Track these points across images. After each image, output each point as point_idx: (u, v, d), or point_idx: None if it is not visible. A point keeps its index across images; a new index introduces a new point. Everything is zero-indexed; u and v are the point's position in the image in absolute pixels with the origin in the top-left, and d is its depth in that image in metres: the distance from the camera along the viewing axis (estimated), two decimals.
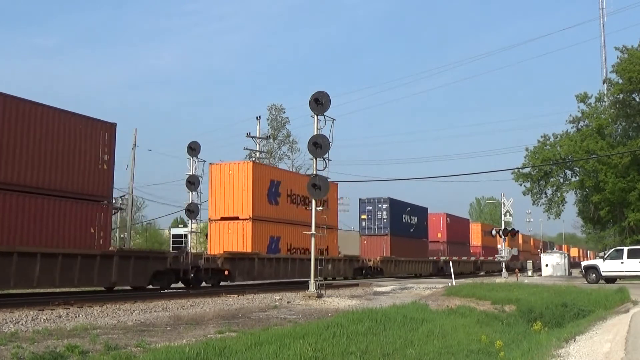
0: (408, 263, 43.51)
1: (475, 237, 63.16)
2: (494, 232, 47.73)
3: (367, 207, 43.85)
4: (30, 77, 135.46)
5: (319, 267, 21.78)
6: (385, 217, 43.06)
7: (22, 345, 9.19)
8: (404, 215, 45.25)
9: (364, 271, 38.07)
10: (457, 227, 56.31)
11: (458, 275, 45.79)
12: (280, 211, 29.22)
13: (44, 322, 12.62)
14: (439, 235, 52.94)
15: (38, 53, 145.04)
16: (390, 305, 16.64)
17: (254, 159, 44.93)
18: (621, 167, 41.32)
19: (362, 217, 43.92)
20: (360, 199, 44.31)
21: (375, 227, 43.37)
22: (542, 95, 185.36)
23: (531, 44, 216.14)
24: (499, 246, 45.63)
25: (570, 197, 50.03)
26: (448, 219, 53.80)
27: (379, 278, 37.94)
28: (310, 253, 21.33)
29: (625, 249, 34.10)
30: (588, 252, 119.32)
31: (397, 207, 44.70)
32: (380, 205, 43.51)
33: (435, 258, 49.25)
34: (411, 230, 46.07)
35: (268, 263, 27.71)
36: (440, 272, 46.98)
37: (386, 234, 42.86)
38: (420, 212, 48.54)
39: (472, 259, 57.09)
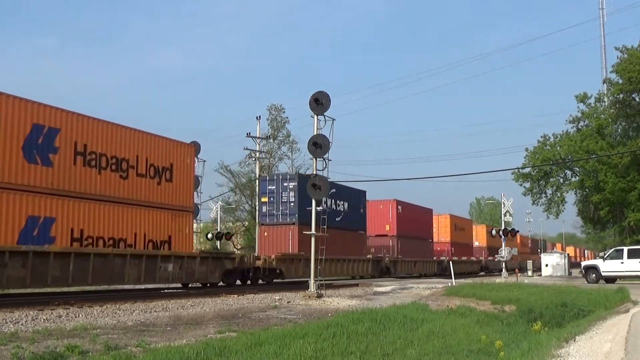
0: (335, 262, 32.11)
1: (481, 238, 63.84)
2: (494, 232, 47.66)
3: (270, 187, 32.00)
4: (31, 77, 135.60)
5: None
6: (292, 200, 31.09)
7: (22, 345, 9.19)
8: (326, 200, 32.18)
9: (250, 273, 28.27)
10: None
11: (460, 275, 45.97)
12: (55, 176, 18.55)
13: (44, 322, 12.61)
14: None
15: (39, 53, 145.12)
16: (390, 305, 16.64)
17: (253, 159, 44.95)
18: (621, 167, 41.33)
19: (263, 199, 32.33)
20: (260, 176, 33.51)
21: (280, 213, 31.38)
22: (542, 95, 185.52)
23: (531, 44, 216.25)
24: (506, 247, 45.34)
25: (570, 197, 50.12)
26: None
27: (273, 284, 28.97)
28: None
29: (625, 249, 34.09)
30: (586, 251, 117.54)
31: None
32: (286, 184, 31.33)
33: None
34: (338, 219, 33.63)
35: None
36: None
37: (293, 223, 30.96)
38: (356, 197, 37.43)
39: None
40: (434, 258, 49.23)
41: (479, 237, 63.63)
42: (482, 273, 56.32)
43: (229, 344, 9.13)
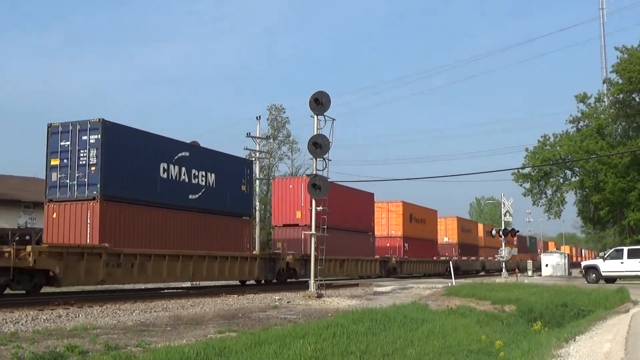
0: (154, 261, 20.99)
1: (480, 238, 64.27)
2: (494, 232, 47.66)
3: (63, 143, 20.61)
4: (31, 77, 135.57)
5: None
6: (93, 161, 20.13)
7: (22, 345, 9.19)
8: (161, 164, 22.26)
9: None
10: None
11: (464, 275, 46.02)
12: None
13: (44, 322, 12.62)
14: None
15: (40, 53, 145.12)
16: (390, 305, 16.64)
17: (253, 159, 44.84)
18: (621, 167, 41.32)
19: (53, 162, 20.74)
20: (48, 125, 21.04)
21: (76, 183, 20.29)
22: (542, 95, 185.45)
23: (531, 44, 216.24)
24: (506, 247, 45.38)
25: (570, 197, 50.07)
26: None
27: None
28: None
29: (625, 249, 34.09)
30: (583, 250, 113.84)
31: (130, 143, 21.21)
32: (86, 138, 20.34)
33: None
34: (193, 196, 23.77)
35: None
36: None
37: (93, 198, 19.92)
38: (233, 165, 26.96)
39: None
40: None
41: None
42: (482, 273, 56.35)
43: (229, 344, 9.14)
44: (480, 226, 65.84)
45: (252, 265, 25.98)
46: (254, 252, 27.40)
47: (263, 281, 27.68)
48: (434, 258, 49.27)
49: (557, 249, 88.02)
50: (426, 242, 47.88)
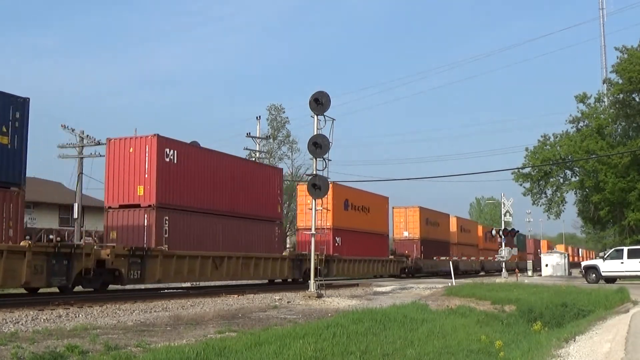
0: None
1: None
2: (494, 232, 47.66)
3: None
4: (32, 77, 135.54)
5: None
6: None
7: (22, 345, 9.19)
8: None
9: None
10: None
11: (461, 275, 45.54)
12: None
13: (44, 322, 12.61)
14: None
15: (40, 53, 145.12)
16: (390, 305, 16.64)
17: (254, 159, 44.94)
18: (621, 167, 41.32)
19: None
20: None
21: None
22: (542, 95, 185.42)
23: (531, 44, 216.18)
24: (506, 247, 44.57)
25: (570, 197, 50.07)
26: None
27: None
28: None
29: (625, 249, 34.10)
30: (580, 250, 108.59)
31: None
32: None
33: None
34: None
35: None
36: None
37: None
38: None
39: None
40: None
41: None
42: (482, 273, 56.32)
43: (229, 344, 9.14)
44: (454, 220, 54.74)
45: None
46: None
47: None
48: (386, 257, 40.13)
49: (550, 248, 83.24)
50: (371, 236, 37.74)
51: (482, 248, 61.59)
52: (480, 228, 64.98)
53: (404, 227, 45.51)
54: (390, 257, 40.83)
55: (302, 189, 33.80)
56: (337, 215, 33.28)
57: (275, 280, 29.06)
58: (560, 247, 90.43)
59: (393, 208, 44.91)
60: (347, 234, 34.59)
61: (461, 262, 52.89)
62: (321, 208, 21.82)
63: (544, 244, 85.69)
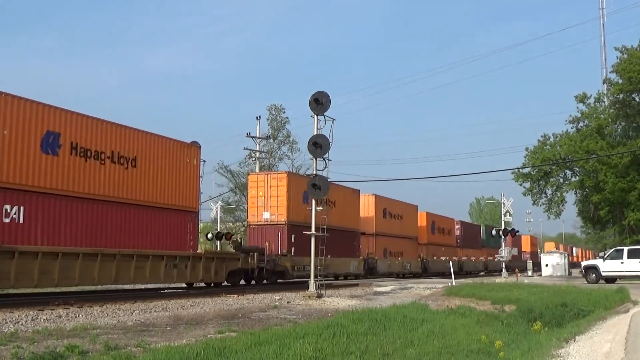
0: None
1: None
2: (494, 232, 47.64)
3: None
4: (32, 77, 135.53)
5: None
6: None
7: (22, 345, 9.19)
8: None
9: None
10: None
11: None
12: None
13: (44, 322, 12.61)
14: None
15: (39, 53, 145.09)
16: (390, 305, 16.65)
17: (253, 159, 44.99)
18: (621, 167, 41.33)
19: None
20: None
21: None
22: (542, 95, 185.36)
23: (531, 44, 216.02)
24: (506, 247, 43.75)
25: (570, 197, 50.07)
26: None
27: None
28: None
29: (625, 249, 34.09)
30: (575, 249, 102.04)
31: None
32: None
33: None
34: None
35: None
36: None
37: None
38: None
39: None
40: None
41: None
42: (482, 273, 56.27)
43: (229, 344, 9.14)
44: (423, 216, 48.22)
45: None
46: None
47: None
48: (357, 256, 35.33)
49: (534, 246, 76.32)
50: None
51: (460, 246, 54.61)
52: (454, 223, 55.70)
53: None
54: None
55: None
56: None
57: (194, 285, 25.24)
58: (550, 245, 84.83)
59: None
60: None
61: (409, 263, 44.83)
62: (320, 208, 21.78)
63: (525, 240, 74.53)
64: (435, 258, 49.00)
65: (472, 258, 57.11)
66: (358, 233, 35.93)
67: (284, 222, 28.83)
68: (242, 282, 27.95)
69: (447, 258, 48.72)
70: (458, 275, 44.35)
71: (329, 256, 28.06)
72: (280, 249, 28.59)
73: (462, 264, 53.53)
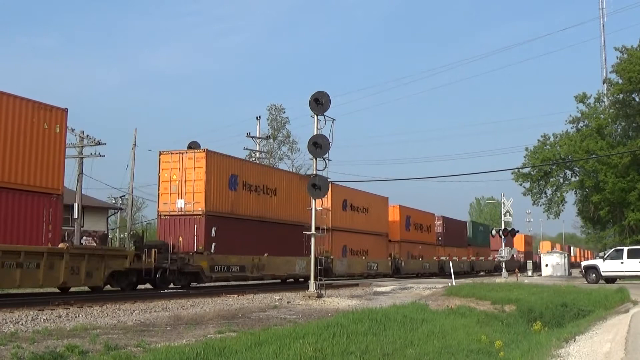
0: None
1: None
2: (493, 232, 47.63)
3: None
4: (32, 77, 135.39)
5: None
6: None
7: (22, 345, 9.20)
8: None
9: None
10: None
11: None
12: None
13: (44, 322, 12.61)
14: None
15: (39, 53, 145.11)
16: (390, 305, 16.65)
17: (254, 159, 44.96)
18: (621, 167, 41.33)
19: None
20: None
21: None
22: (542, 95, 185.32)
23: (531, 44, 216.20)
24: (506, 247, 43.59)
25: (570, 197, 50.07)
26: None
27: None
28: None
29: (625, 249, 34.11)
30: (572, 248, 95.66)
31: None
32: None
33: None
34: None
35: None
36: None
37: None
38: None
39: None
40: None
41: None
42: (482, 273, 56.18)
43: (229, 344, 9.14)
44: (396, 210, 42.83)
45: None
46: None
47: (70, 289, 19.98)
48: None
49: (527, 243, 71.57)
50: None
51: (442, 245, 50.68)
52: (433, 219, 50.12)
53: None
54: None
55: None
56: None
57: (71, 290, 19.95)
58: (546, 244, 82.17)
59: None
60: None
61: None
62: (321, 208, 21.78)
63: (519, 239, 66.07)
64: (410, 257, 44.32)
65: (456, 257, 48.60)
66: (308, 228, 27.02)
67: (200, 212, 23.10)
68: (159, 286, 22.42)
69: (423, 257, 45.80)
70: (438, 276, 43.13)
71: (265, 254, 25.67)
72: (196, 244, 23.05)
73: (443, 264, 47.83)
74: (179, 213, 23.46)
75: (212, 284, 24.92)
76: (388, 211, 41.28)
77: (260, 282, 22.92)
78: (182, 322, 13.20)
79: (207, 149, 23.89)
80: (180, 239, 23.15)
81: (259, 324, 13.00)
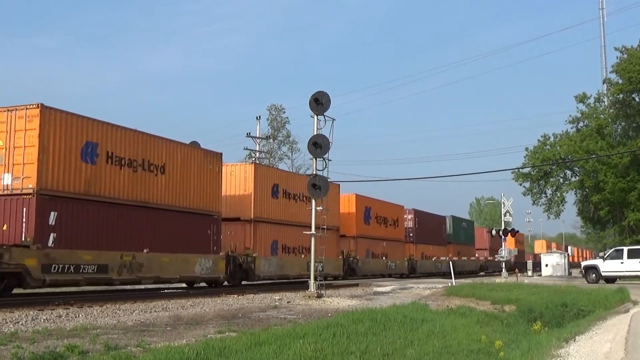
0: None
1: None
2: (493, 232, 47.63)
3: None
4: (32, 77, 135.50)
5: None
6: None
7: (22, 345, 9.19)
8: None
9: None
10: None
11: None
12: None
13: (44, 322, 12.61)
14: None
15: (39, 53, 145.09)
16: (390, 305, 16.65)
17: (254, 159, 44.98)
18: (621, 167, 41.35)
19: None
20: None
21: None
22: (542, 95, 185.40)
23: (531, 44, 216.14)
24: (506, 247, 43.66)
25: (570, 197, 50.10)
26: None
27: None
28: None
29: (625, 249, 34.12)
30: (570, 248, 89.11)
31: None
32: None
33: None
34: None
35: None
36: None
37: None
38: None
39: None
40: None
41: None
42: (481, 273, 56.20)
43: (229, 344, 9.13)
44: (351, 199, 36.45)
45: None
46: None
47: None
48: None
49: (518, 241, 65.49)
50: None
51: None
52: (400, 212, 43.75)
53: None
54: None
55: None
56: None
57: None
58: (540, 243, 79.99)
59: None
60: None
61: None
62: (321, 208, 21.73)
63: (509, 237, 60.42)
64: (371, 256, 38.20)
65: (434, 257, 47.60)
66: (216, 218, 24.20)
67: (31, 191, 16.93)
68: None
69: (388, 256, 40.00)
70: (410, 278, 39.93)
71: (145, 250, 20.00)
72: (24, 235, 16.85)
73: (414, 263, 44.14)
74: (4, 192, 17.25)
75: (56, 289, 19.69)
76: (339, 200, 33.89)
77: (136, 286, 20.12)
78: (182, 322, 13.20)
79: (41, 104, 17.26)
80: (5, 227, 17.13)
81: (259, 324, 13.00)
